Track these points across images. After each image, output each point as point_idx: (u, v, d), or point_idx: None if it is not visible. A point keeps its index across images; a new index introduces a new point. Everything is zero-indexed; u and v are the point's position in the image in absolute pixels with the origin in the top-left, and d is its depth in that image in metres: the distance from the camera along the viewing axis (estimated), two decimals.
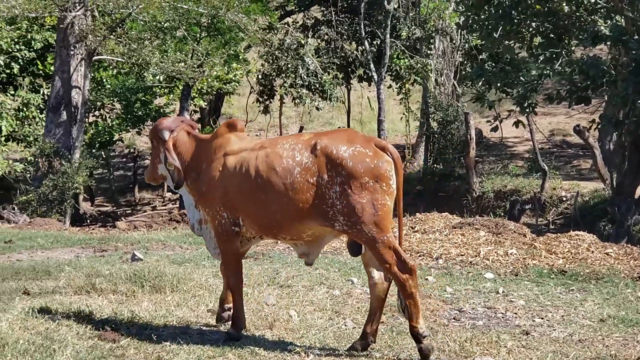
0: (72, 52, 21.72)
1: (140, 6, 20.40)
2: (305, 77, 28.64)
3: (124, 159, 36.58)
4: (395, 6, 25.48)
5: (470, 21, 19.00)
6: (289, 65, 28.76)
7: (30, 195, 20.64)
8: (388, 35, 23.59)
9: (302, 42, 28.93)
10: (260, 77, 30.79)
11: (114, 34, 21.35)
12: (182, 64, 22.25)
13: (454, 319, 8.51)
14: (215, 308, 8.39)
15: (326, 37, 33.19)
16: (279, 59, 28.94)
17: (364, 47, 31.57)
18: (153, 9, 20.55)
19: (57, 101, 22.08)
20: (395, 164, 7.28)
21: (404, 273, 7.18)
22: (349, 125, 35.38)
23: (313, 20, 33.81)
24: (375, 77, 24.38)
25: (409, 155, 31.14)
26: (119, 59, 22.70)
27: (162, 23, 22.77)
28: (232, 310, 7.89)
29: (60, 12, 21.06)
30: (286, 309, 8.63)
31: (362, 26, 24.56)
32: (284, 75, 29.77)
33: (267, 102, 32.24)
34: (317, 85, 28.88)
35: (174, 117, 9.23)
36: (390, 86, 33.86)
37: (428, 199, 23.41)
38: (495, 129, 18.78)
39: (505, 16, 17.58)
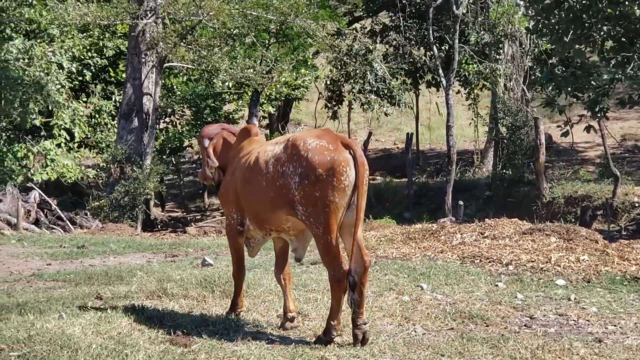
0: (143, 60, 22.01)
1: (211, 13, 20.55)
2: (373, 82, 28.61)
3: (194, 165, 36.87)
4: (464, 11, 25.33)
5: (540, 25, 18.83)
6: (357, 71, 28.75)
7: (103, 201, 20.91)
8: (457, 41, 23.47)
9: (371, 47, 28.89)
10: (328, 83, 30.84)
11: (184, 41, 21.54)
12: (251, 70, 22.37)
13: (525, 326, 8.41)
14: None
15: (394, 42, 33.17)
16: (347, 65, 28.95)
17: (432, 53, 31.50)
18: (223, 16, 20.69)
19: (128, 108, 22.36)
20: (356, 162, 7.51)
21: (335, 277, 7.63)
22: (417, 131, 35.30)
23: (381, 26, 33.81)
24: (444, 82, 24.25)
25: (478, 161, 30.98)
26: (189, 66, 22.92)
27: (232, 30, 22.92)
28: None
29: (131, 19, 21.34)
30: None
31: (431, 31, 24.44)
32: (352, 81, 29.76)
33: (336, 108, 32.30)
34: (386, 91, 28.82)
35: (216, 125, 9.81)
36: (458, 91, 33.71)
37: (497, 205, 23.25)
38: (565, 134, 18.60)
39: (576, 20, 17.39)
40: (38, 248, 14.62)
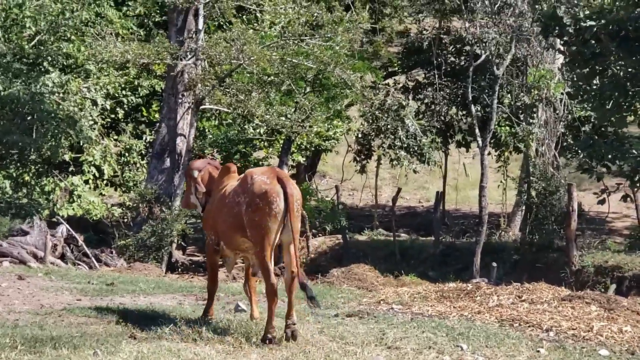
0: (179, 100, 21.95)
1: (252, 58, 20.49)
2: (404, 139, 28.43)
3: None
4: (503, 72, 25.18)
5: (581, 92, 18.73)
6: (389, 126, 28.59)
7: (129, 240, 20.73)
8: (495, 101, 23.29)
9: (404, 103, 28.74)
10: (359, 136, 30.71)
11: (222, 84, 21.46)
12: (286, 117, 22.27)
13: None
14: None
15: (426, 100, 33.06)
16: (379, 119, 28.80)
17: (463, 112, 31.37)
18: (264, 61, 20.65)
19: (161, 148, 22.26)
20: (285, 192, 9.45)
21: (269, 288, 9.48)
22: (444, 190, 35.08)
23: (414, 83, 33.74)
24: (480, 142, 24.02)
25: (504, 224, 30.67)
26: (225, 110, 22.84)
27: (268, 76, 22.86)
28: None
29: (171, 60, 21.30)
30: None
31: (470, 90, 24.27)
32: (382, 135, 29.62)
33: (365, 162, 32.16)
34: (416, 148, 28.64)
35: (202, 160, 11.95)
36: (489, 153, 33.48)
37: (525, 269, 22.91)
38: (602, 202, 18.37)
39: (619, 87, 17.27)
40: (66, 283, 14.42)
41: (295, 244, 9.73)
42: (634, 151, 17.16)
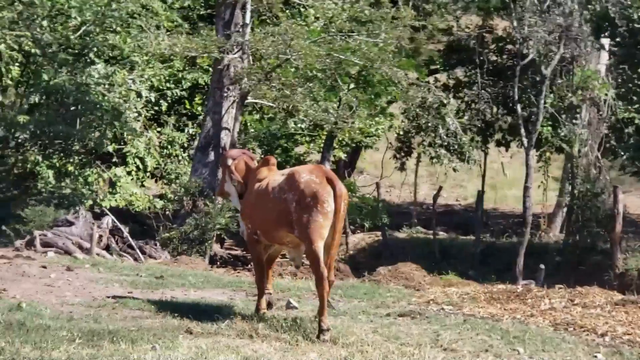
0: (225, 94, 21.90)
1: (300, 53, 20.43)
2: (444, 137, 28.27)
3: None
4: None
5: (631, 93, 18.50)
6: (429, 124, 28.43)
7: (173, 232, 20.70)
8: (542, 101, 23.05)
9: (445, 101, 28.54)
10: (400, 133, 30.59)
11: (267, 78, 21.38)
12: (331, 112, 22.17)
13: None
14: None
15: (466, 98, 32.87)
16: (419, 117, 28.65)
17: (504, 111, 31.15)
18: (312, 56, 20.57)
19: (206, 141, 22.22)
20: (335, 193, 9.69)
21: (317, 276, 9.67)
22: (482, 189, 34.91)
23: (455, 81, 33.56)
24: (525, 142, 23.77)
25: (544, 225, 30.45)
26: (270, 104, 22.79)
27: (313, 72, 22.75)
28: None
29: (218, 53, 21.25)
30: None
31: (516, 90, 24.04)
32: (423, 133, 29.48)
33: (404, 159, 32.05)
34: (456, 146, 28.48)
35: (238, 149, 12.71)
36: None
37: (567, 272, 22.72)
38: None
39: None
40: (115, 275, 14.42)
41: (336, 244, 10.02)
42: None
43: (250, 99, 22.51)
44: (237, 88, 21.91)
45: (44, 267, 14.49)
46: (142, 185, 26.14)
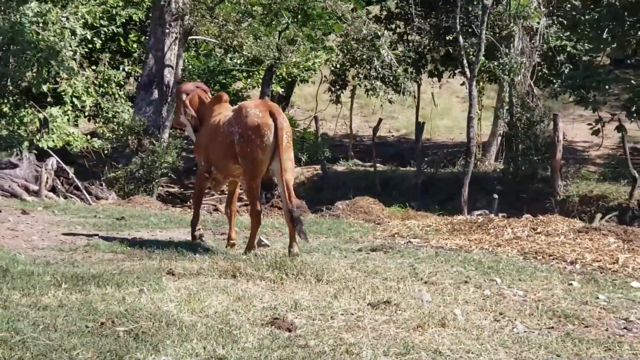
0: (167, 31, 21.56)
1: None
2: (380, 69, 28.28)
3: (186, 141, 36.36)
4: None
5: (575, 22, 18.66)
6: (364, 56, 28.39)
7: (119, 172, 20.45)
8: (484, 32, 23.08)
9: (379, 33, 28.47)
10: (336, 66, 30.52)
11: (210, 14, 21.05)
12: (276, 48, 21.96)
13: (625, 329, 8.15)
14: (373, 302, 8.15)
15: (398, 30, 32.90)
16: (354, 50, 28.59)
17: (435, 42, 31.27)
18: None
19: (149, 79, 21.92)
20: (276, 125, 10.22)
21: (254, 212, 10.64)
22: (417, 121, 35.11)
23: (385, 13, 33.53)
24: (468, 73, 23.81)
25: (480, 154, 30.74)
26: (214, 40, 22.51)
27: (253, 6, 22.48)
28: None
29: None
30: (445, 306, 8.30)
31: (458, 20, 24.03)
32: (358, 66, 29.47)
33: (340, 92, 32.07)
34: (391, 78, 28.53)
35: (192, 83, 12.72)
36: (462, 83, 33.50)
37: (509, 200, 23.00)
38: (597, 132, 18.40)
39: (617, 18, 17.22)
40: (72, 217, 14.20)
41: (289, 175, 10.48)
42: (632, 82, 17.15)
43: (194, 36, 22.19)
44: (178, 24, 21.56)
45: None
46: (76, 125, 25.70)
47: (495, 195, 19.86)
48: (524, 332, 7.69)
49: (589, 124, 22.13)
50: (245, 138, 10.25)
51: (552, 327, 7.86)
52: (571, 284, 9.94)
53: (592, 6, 17.79)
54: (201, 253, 10.41)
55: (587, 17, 17.99)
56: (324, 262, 10.00)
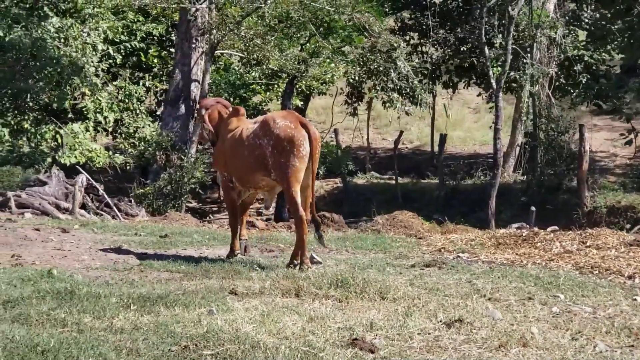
0: (193, 45, 21.46)
1: (275, 1, 20.06)
2: (396, 80, 28.14)
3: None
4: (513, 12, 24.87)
5: (604, 32, 18.57)
6: (381, 68, 28.28)
7: (148, 188, 20.32)
8: (510, 42, 22.95)
9: (395, 45, 28.34)
10: (353, 78, 30.42)
11: (237, 28, 20.94)
12: (304, 61, 21.84)
13: None
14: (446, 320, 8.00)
15: (412, 41, 32.84)
16: (370, 61, 28.47)
17: (450, 53, 31.15)
18: (287, 4, 20.21)
19: (176, 94, 21.82)
20: (310, 136, 10.40)
21: (297, 219, 10.53)
22: (432, 133, 35.08)
23: (399, 24, 33.48)
24: (494, 84, 23.60)
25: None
26: (240, 54, 22.39)
27: (282, 20, 22.34)
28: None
29: (190, 3, 20.72)
30: (518, 324, 8.15)
31: (483, 32, 23.88)
32: (374, 78, 29.35)
33: (356, 105, 31.99)
34: (408, 90, 28.41)
35: (213, 98, 12.92)
36: (479, 94, 33.47)
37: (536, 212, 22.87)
38: (629, 143, 18.28)
39: None
40: (113, 235, 14.04)
41: (313, 185, 10.78)
42: None
43: (220, 50, 22.09)
44: (204, 39, 21.45)
45: (37, 229, 14.00)
46: (94, 141, 25.59)
47: (533, 208, 19.66)
48: (606, 351, 7.53)
49: (621, 134, 21.97)
50: (279, 149, 10.34)
51: (633, 346, 7.70)
52: (635, 299, 9.78)
53: (622, 16, 17.65)
54: (257, 271, 10.25)
55: (616, 26, 17.86)
56: (383, 279, 9.84)
